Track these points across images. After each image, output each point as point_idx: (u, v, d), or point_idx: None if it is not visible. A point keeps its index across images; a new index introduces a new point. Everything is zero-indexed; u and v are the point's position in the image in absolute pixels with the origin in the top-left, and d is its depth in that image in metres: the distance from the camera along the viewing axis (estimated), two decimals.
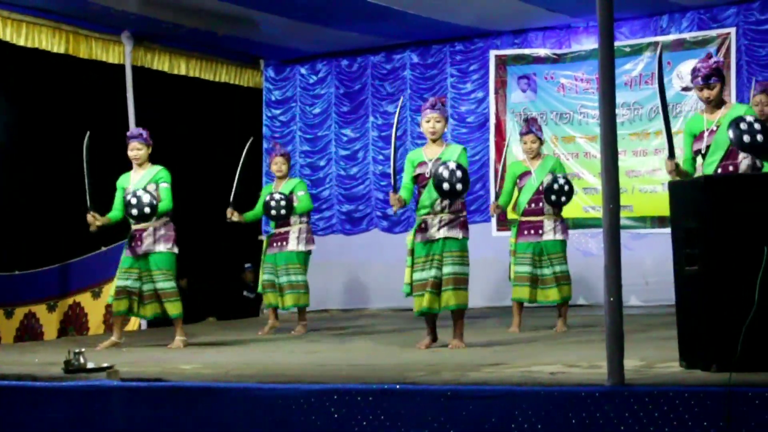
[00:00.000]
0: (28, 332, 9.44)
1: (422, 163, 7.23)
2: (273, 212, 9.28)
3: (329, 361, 6.65)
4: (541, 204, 8.45)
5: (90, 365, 5.99)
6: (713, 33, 10.99)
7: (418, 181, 7.26)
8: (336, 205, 12.86)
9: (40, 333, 9.86)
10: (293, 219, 9.38)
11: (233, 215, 9.23)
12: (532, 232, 8.46)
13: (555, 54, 11.74)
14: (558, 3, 10.91)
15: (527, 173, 8.54)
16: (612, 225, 4.49)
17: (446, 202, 7.13)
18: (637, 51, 11.31)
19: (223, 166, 10.14)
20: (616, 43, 5.85)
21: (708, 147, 6.37)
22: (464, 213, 7.28)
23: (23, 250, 10.15)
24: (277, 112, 13.19)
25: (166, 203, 8.22)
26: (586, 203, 11.32)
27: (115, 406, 5.32)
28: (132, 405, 5.28)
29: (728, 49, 10.88)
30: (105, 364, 5.99)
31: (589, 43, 11.48)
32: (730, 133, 6.12)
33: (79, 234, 9.14)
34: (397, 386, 4.85)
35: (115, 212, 8.37)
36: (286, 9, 10.77)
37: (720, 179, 5.57)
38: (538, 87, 11.74)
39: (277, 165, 9.49)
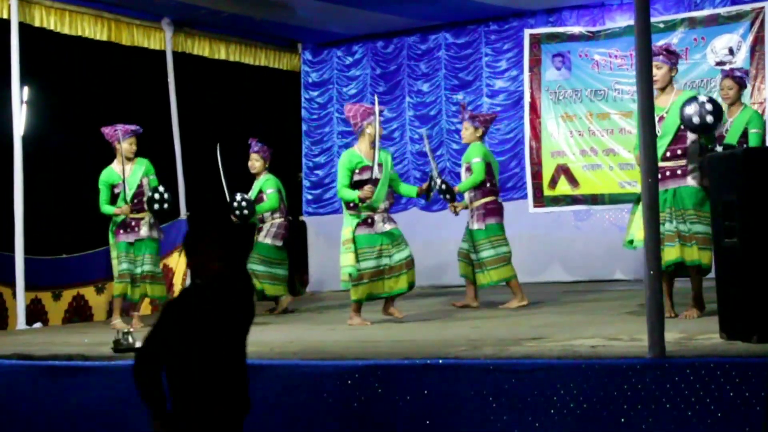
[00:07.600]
0: (78, 314, 9.56)
1: None
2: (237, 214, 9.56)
3: (371, 338, 6.73)
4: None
5: (138, 344, 6.11)
6: (747, 7, 10.87)
7: None
8: None
9: (90, 315, 9.99)
10: (266, 215, 9.77)
11: None
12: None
13: (589, 31, 11.70)
14: None
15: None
16: (651, 199, 4.54)
17: None
18: (671, 27, 11.23)
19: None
20: (651, 19, 5.86)
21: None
22: None
23: (71, 234, 10.29)
24: (315, 94, 13.27)
25: None
26: (622, 179, 11.29)
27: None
28: None
29: (762, 22, 10.78)
30: None
31: (623, 20, 11.43)
32: (684, 112, 6.56)
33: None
34: (440, 361, 4.93)
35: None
36: None
37: (759, 152, 5.59)
38: (572, 65, 11.73)
39: (251, 162, 9.84)
